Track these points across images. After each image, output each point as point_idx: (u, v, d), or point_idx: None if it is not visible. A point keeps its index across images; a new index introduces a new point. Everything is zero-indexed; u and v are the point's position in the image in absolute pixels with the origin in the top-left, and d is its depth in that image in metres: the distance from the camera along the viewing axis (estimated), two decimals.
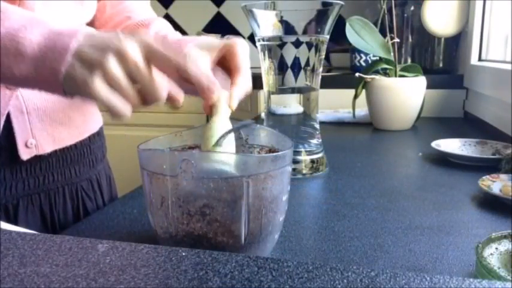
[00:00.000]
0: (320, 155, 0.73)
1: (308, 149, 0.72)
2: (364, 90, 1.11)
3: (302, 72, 0.69)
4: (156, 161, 0.40)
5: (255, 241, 0.41)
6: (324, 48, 0.70)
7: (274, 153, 0.44)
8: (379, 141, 1.03)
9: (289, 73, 0.68)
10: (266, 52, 0.70)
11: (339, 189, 0.64)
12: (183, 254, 0.32)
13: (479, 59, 1.27)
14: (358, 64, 1.54)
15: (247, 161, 0.41)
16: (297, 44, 0.68)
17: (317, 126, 0.74)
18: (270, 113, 0.73)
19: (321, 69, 0.71)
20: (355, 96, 1.11)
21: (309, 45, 0.68)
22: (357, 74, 1.10)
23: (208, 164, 0.39)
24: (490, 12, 1.25)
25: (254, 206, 0.39)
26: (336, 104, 1.31)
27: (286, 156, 0.41)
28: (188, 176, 0.38)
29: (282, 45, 0.68)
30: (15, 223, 0.59)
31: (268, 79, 0.71)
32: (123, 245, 0.33)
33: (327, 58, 1.83)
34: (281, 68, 0.69)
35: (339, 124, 1.19)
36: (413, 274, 0.28)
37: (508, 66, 1.00)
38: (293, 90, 0.71)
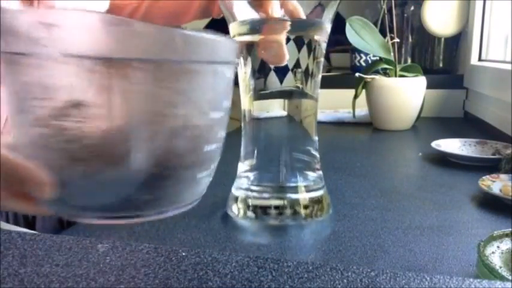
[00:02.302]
0: (321, 192, 0.54)
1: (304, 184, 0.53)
2: (364, 90, 1.11)
3: (291, 76, 0.51)
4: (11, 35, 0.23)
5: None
6: (320, 48, 0.52)
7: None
8: (379, 141, 1.03)
9: (273, 75, 0.51)
10: None
11: (339, 189, 0.64)
12: (183, 254, 0.32)
13: (479, 59, 1.27)
14: (358, 64, 1.54)
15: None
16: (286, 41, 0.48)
17: (316, 153, 0.54)
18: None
19: (319, 76, 0.53)
20: (355, 96, 1.11)
21: (300, 43, 0.50)
22: (357, 74, 1.10)
23: None
24: (490, 12, 1.25)
25: None
26: (336, 104, 1.31)
27: None
28: (55, 52, 0.23)
29: None
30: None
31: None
32: (123, 245, 0.33)
33: (327, 58, 1.83)
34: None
35: (339, 124, 1.19)
36: (413, 274, 0.28)
37: (508, 66, 1.00)
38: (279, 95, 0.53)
